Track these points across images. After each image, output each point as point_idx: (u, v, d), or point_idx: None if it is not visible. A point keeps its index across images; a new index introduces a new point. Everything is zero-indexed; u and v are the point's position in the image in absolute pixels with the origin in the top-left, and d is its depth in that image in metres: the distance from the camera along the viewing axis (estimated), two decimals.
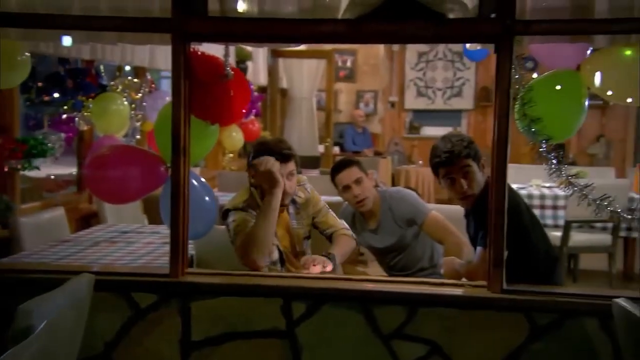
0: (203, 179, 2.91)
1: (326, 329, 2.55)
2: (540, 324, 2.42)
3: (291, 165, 2.98)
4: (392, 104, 10.97)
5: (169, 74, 2.66)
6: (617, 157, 10.35)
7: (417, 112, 11.01)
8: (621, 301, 2.17)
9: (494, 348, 2.46)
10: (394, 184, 9.58)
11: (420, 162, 10.16)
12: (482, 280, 2.58)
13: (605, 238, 5.79)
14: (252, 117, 6.98)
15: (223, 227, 3.06)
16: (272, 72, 9.03)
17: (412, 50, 10.90)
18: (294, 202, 3.12)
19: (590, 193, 2.45)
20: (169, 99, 4.14)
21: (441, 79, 10.88)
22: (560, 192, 6.02)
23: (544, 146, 2.48)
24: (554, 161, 2.47)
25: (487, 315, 2.46)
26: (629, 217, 2.47)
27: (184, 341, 2.60)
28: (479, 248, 2.69)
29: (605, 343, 2.37)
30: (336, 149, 9.71)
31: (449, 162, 2.81)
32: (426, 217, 3.45)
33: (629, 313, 2.12)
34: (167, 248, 3.23)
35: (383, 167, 8.83)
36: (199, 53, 2.70)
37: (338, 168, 3.48)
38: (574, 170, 2.46)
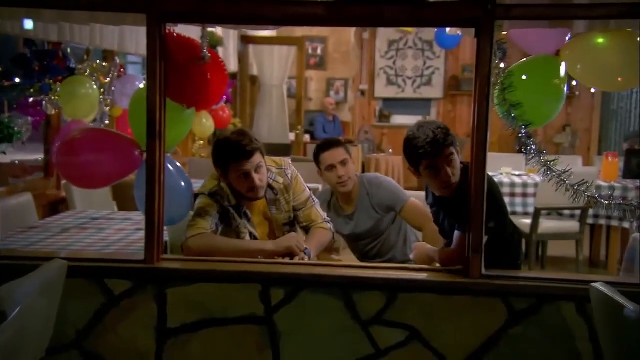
0: (179, 164, 2.86)
1: (305, 315, 2.53)
2: (518, 309, 2.44)
3: (257, 158, 2.87)
4: (362, 92, 10.96)
5: (137, 58, 2.61)
6: (583, 146, 10.51)
7: (387, 101, 11.01)
8: (599, 285, 2.19)
9: (473, 333, 2.46)
10: (364, 172, 9.59)
11: (390, 150, 10.18)
12: (459, 266, 2.58)
13: (573, 225, 5.86)
14: (222, 104, 6.89)
15: None
16: (243, 59, 8.94)
17: (383, 38, 10.90)
18: (271, 187, 3.05)
19: (568, 179, 2.45)
20: (138, 83, 4.07)
21: (411, 68, 10.90)
22: (529, 180, 6.08)
23: (523, 132, 2.48)
24: (533, 147, 2.47)
25: (466, 300, 2.46)
26: (606, 202, 2.49)
27: (160, 328, 2.55)
28: (456, 233, 2.69)
29: (581, 327, 2.40)
30: (307, 137, 9.67)
31: (434, 152, 2.65)
32: (405, 203, 3.43)
33: (607, 297, 2.14)
34: (140, 235, 3.20)
35: (353, 156, 8.77)
36: (175, 35, 2.64)
37: (325, 147, 3.43)
38: (551, 156, 2.46)
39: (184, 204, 2.82)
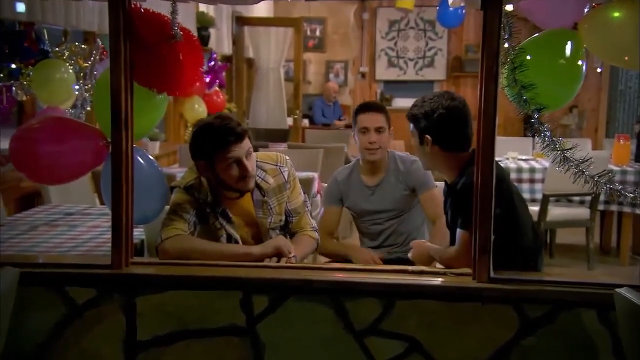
0: (151, 156, 2.57)
1: (292, 325, 2.25)
2: (531, 317, 2.15)
3: (247, 143, 2.57)
4: (363, 75, 10.62)
5: None
6: (590, 127, 10.19)
7: (388, 83, 10.68)
8: (624, 291, 1.91)
9: (480, 344, 2.18)
10: None
11: (392, 133, 9.86)
12: (465, 268, 2.30)
13: (583, 212, 5.58)
14: (216, 88, 6.61)
15: None
16: (237, 41, 8.61)
17: (383, 18, 10.54)
18: (258, 187, 2.69)
19: (587, 169, 2.16)
20: None
21: (413, 49, 10.55)
22: (537, 165, 5.79)
23: (536, 116, 2.18)
24: (548, 133, 2.17)
25: (473, 307, 2.18)
26: (630, 195, 2.19)
27: (129, 341, 2.28)
28: (459, 231, 2.40)
29: (604, 337, 2.11)
30: (305, 122, 9.35)
31: None
32: (430, 188, 3.22)
33: (634, 304, 1.86)
34: (105, 234, 2.92)
35: (351, 142, 8.50)
36: (142, 10, 2.34)
37: (365, 107, 3.28)
38: (567, 143, 2.17)
39: (156, 201, 2.53)
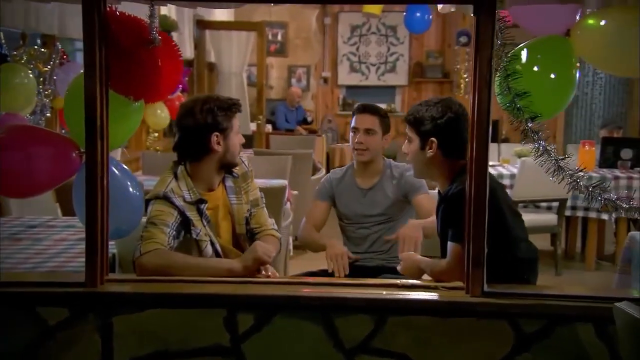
0: (126, 167, 2.43)
1: (279, 344, 2.15)
2: (527, 332, 2.09)
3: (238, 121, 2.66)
4: (325, 80, 10.56)
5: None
6: (549, 132, 10.30)
7: (350, 88, 10.63)
8: (624, 306, 1.86)
9: None
10: (328, 163, 9.22)
11: (387, 139, 9.82)
12: (457, 282, 2.24)
13: (550, 218, 5.62)
14: (178, 93, 6.44)
15: None
16: (199, 45, 8.45)
17: (345, 23, 10.50)
18: (229, 173, 2.74)
19: (582, 179, 2.12)
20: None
21: (375, 54, 10.54)
22: (504, 171, 5.81)
23: (529, 125, 2.13)
24: (542, 143, 2.12)
25: (467, 323, 2.11)
26: (625, 205, 2.15)
27: None
28: (450, 244, 2.33)
29: (601, 352, 2.06)
30: (268, 127, 9.24)
31: None
32: (424, 192, 3.21)
33: (635, 319, 1.81)
34: (84, 246, 2.78)
35: (319, 146, 8.43)
36: (118, 13, 2.21)
37: (360, 109, 3.31)
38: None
39: (133, 213, 2.40)
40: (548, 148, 2.12)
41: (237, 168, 2.74)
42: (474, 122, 2.13)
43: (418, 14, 5.95)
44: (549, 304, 2.09)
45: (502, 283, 2.21)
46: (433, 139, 2.47)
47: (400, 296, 2.16)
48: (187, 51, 7.76)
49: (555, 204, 5.60)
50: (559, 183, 2.14)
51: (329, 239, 3.12)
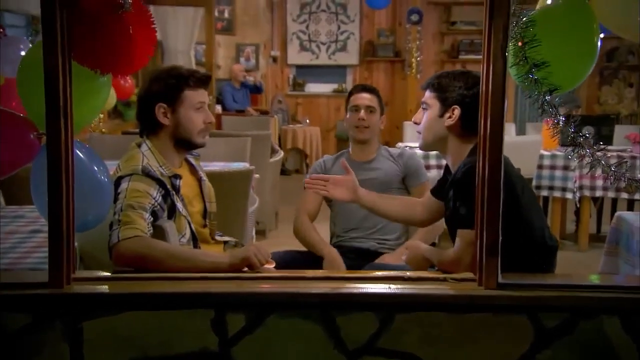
0: (92, 150, 2.14)
1: (274, 346, 1.92)
2: (547, 327, 1.91)
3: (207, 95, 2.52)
4: (274, 59, 10.27)
5: (20, 20, 1.88)
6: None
7: (300, 68, 10.39)
8: None
9: None
10: (280, 144, 8.97)
11: (307, 120, 9.60)
12: (467, 272, 2.05)
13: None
14: None
15: None
16: None
17: (294, 0, 10.21)
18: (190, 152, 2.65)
19: (603, 158, 1.95)
20: (24, 47, 3.24)
21: (325, 32, 10.30)
22: None
23: (547, 98, 1.94)
24: (562, 118, 1.94)
25: (482, 318, 1.92)
26: None
27: None
28: (459, 231, 2.14)
29: (628, 347, 1.90)
30: (218, 108, 8.89)
31: None
32: (424, 182, 3.20)
33: None
34: (39, 239, 2.49)
35: (272, 128, 8.15)
36: None
37: (359, 88, 3.36)
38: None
39: (101, 203, 2.12)
40: (567, 126, 1.94)
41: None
42: (488, 97, 1.93)
43: None
44: (571, 295, 1.91)
45: (513, 270, 2.03)
46: (456, 106, 2.30)
47: (408, 290, 1.95)
48: None
49: None
50: (577, 162, 1.97)
51: (328, 249, 2.96)
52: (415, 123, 2.41)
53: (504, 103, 1.92)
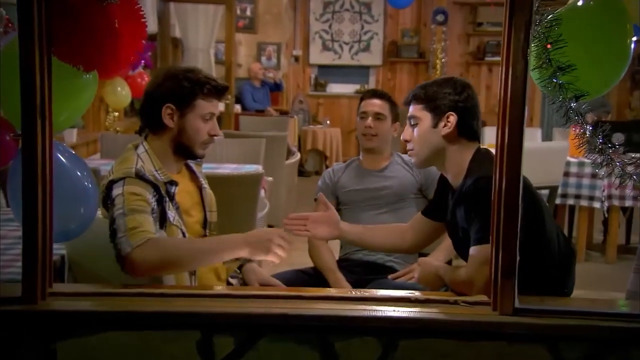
0: (73, 152, 1.99)
1: None
2: (568, 359, 1.72)
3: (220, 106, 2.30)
4: (296, 58, 10.11)
5: None
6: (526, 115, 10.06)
7: (322, 68, 10.22)
8: None
9: None
10: (300, 146, 8.81)
11: (328, 121, 9.43)
12: (480, 295, 1.86)
13: None
14: (140, 69, 5.94)
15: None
16: (162, 19, 7.92)
17: None
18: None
19: (635, 172, 1.75)
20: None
21: (348, 32, 10.12)
22: None
23: (572, 105, 1.75)
24: (589, 127, 1.74)
25: (495, 347, 1.73)
26: None
27: None
28: (472, 248, 1.95)
29: None
30: (237, 108, 8.75)
31: None
32: None
33: None
34: (17, 250, 2.34)
35: (291, 128, 8.00)
36: None
37: (369, 94, 3.19)
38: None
39: (85, 210, 1.96)
40: (595, 136, 1.74)
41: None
42: (506, 102, 1.74)
43: None
44: (596, 324, 1.71)
45: (531, 289, 1.83)
46: (452, 113, 2.13)
47: (414, 314, 1.77)
48: (150, 25, 7.24)
49: (545, 191, 5.28)
50: (606, 176, 1.77)
51: (334, 277, 2.81)
52: (406, 141, 2.23)
53: (524, 110, 1.73)
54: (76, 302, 1.81)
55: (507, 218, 1.73)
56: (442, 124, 2.15)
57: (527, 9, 1.69)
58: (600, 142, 1.75)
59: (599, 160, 1.76)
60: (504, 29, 1.75)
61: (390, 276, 2.53)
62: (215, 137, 2.33)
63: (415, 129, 2.20)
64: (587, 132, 1.74)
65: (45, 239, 1.77)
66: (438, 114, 2.16)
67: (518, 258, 1.73)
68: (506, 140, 1.74)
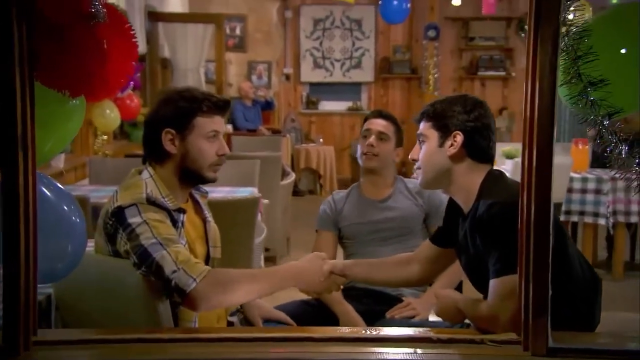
0: (60, 185, 1.83)
1: None
2: None
3: (224, 124, 2.24)
4: (287, 77, 10.00)
5: None
6: (520, 130, 9.97)
7: (314, 85, 10.11)
8: None
9: None
10: (293, 165, 8.66)
11: (321, 139, 9.30)
12: (509, 332, 1.70)
13: None
14: (129, 90, 5.79)
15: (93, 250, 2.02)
16: (151, 39, 7.79)
17: (307, 17, 9.97)
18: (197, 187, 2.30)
19: None
20: None
21: (339, 49, 10.03)
22: None
23: (606, 123, 1.60)
24: (625, 148, 1.60)
25: None
26: None
27: None
28: (494, 280, 1.80)
29: None
30: (229, 128, 8.60)
31: None
32: None
33: None
34: None
35: (284, 147, 7.85)
36: None
37: (375, 114, 3.04)
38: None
39: (73, 248, 1.80)
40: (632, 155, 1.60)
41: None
42: (532, 122, 1.59)
43: (395, 2, 5.43)
44: None
45: (556, 324, 1.68)
46: (458, 132, 1.98)
47: (437, 357, 1.61)
48: (139, 46, 7.10)
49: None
50: (635, 194, 1.63)
51: (341, 308, 2.65)
52: (413, 160, 2.09)
53: (554, 130, 1.58)
54: (64, 352, 1.63)
55: (537, 249, 1.58)
56: (448, 143, 2.01)
57: (554, 18, 1.54)
58: (637, 163, 1.61)
59: (636, 184, 1.62)
60: (527, 41, 1.60)
61: (387, 314, 2.38)
62: (223, 157, 2.17)
63: (422, 148, 2.07)
64: (624, 153, 1.60)
65: (29, 282, 1.60)
66: (445, 132, 2.02)
67: (550, 292, 1.58)
68: (534, 164, 1.59)
